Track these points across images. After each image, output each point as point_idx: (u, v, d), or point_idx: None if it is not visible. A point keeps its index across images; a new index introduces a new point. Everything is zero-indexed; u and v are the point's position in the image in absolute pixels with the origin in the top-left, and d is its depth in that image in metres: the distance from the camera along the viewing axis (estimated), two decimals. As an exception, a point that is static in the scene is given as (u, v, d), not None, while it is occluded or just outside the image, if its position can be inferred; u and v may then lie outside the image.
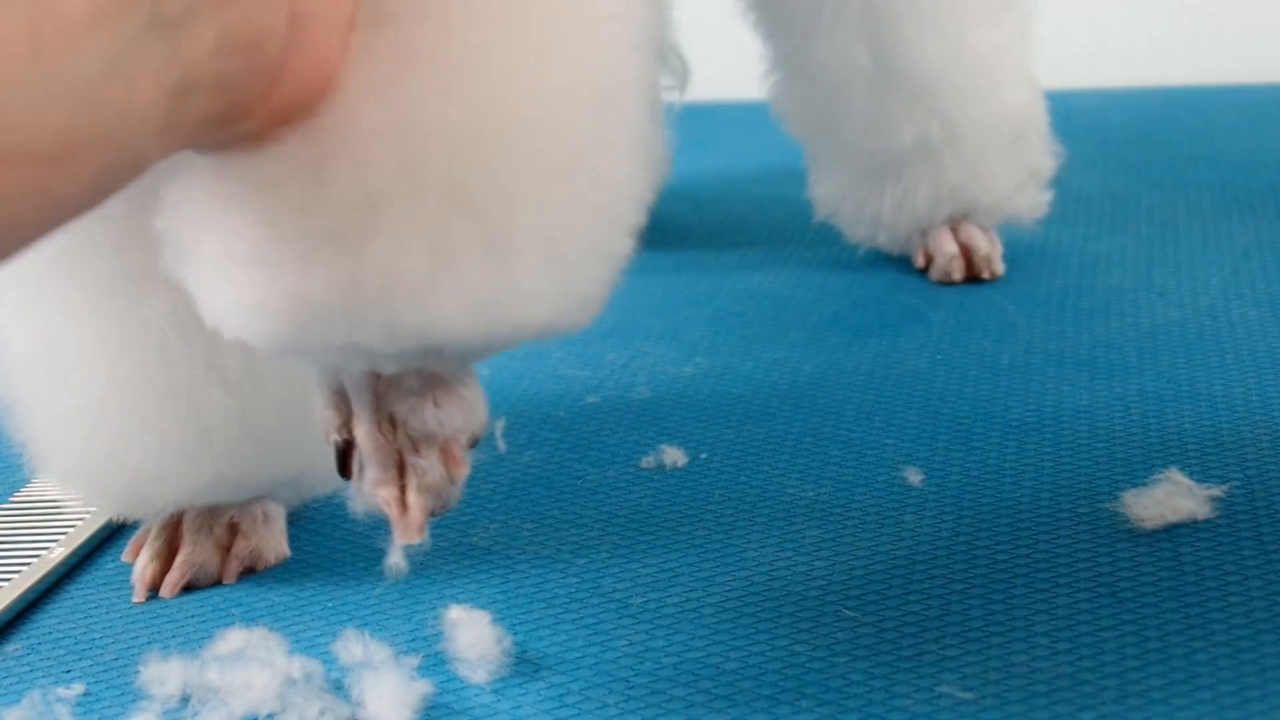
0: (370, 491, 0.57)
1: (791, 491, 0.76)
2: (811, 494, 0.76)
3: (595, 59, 0.51)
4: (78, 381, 0.68)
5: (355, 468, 0.58)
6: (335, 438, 0.57)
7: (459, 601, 0.65)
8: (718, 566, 0.69)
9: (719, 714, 0.58)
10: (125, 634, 0.66)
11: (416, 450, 0.57)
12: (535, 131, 0.49)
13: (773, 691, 0.59)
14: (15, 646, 0.66)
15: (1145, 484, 0.72)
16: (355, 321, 0.49)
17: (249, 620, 0.66)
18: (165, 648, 0.64)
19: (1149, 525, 0.69)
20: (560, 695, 0.60)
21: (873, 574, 0.68)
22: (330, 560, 0.72)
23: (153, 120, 0.45)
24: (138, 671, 0.62)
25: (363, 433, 0.57)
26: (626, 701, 0.59)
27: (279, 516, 0.73)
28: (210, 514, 0.71)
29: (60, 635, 0.67)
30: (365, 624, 0.65)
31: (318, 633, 0.65)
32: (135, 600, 0.69)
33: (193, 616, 0.68)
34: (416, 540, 0.57)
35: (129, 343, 0.67)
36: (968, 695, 0.58)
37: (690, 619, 0.65)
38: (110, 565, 0.73)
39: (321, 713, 0.59)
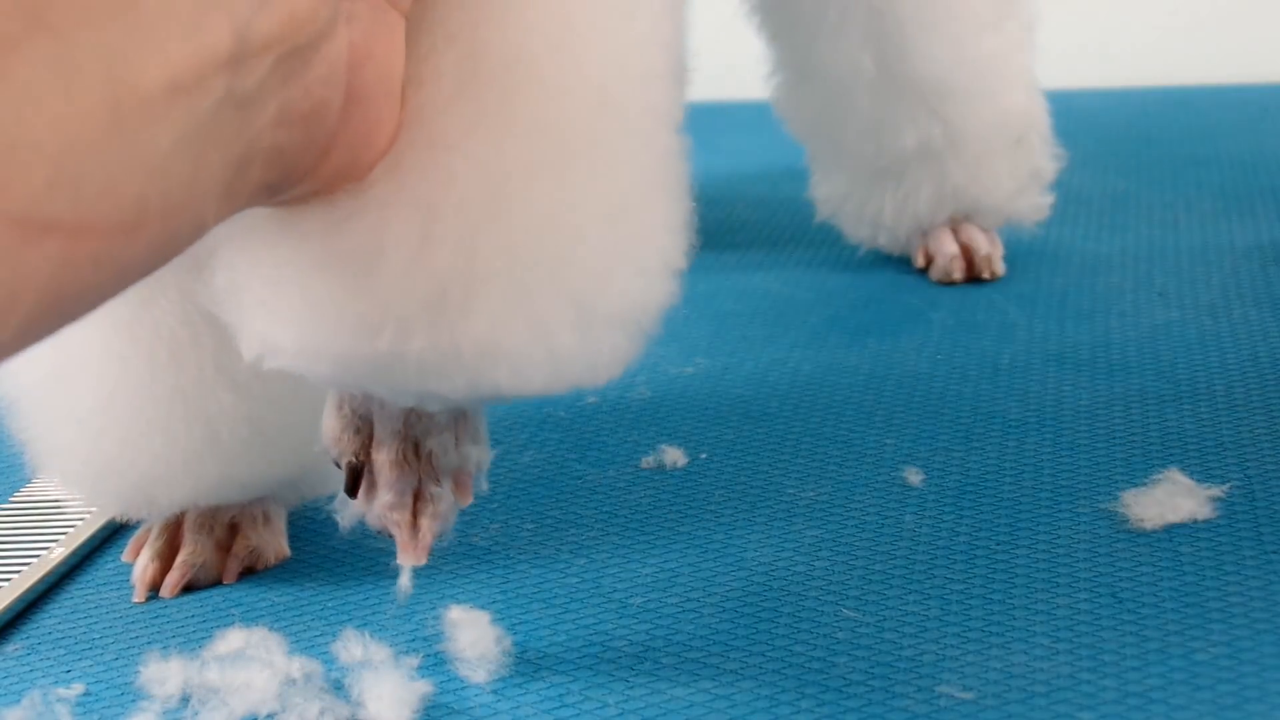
0: (382, 514, 0.60)
1: (791, 491, 0.76)
2: (811, 494, 0.76)
3: (657, 136, 0.55)
4: (85, 381, 0.68)
5: (364, 489, 0.60)
6: (351, 460, 0.59)
7: (459, 601, 0.65)
8: (718, 566, 0.69)
9: (719, 714, 0.58)
10: (125, 634, 0.66)
11: (436, 480, 0.60)
12: (618, 210, 0.54)
13: (773, 691, 0.59)
14: (15, 646, 0.66)
15: (1145, 484, 0.72)
16: (443, 378, 0.52)
17: (249, 620, 0.66)
18: (165, 648, 0.64)
19: (1149, 525, 0.70)
20: (560, 695, 0.60)
21: (873, 574, 0.68)
22: (330, 560, 0.72)
23: (216, 190, 0.47)
24: (138, 671, 0.62)
25: (385, 459, 0.59)
26: (626, 701, 0.59)
27: (279, 516, 0.73)
28: (211, 514, 0.71)
29: (60, 635, 0.67)
30: (365, 624, 0.65)
31: (318, 633, 0.65)
32: (135, 600, 0.69)
33: (193, 616, 0.68)
34: (423, 562, 0.60)
35: (139, 343, 0.67)
36: (967, 695, 0.58)
37: (690, 619, 0.65)
38: (110, 565, 0.73)
39: (321, 713, 0.59)
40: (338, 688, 0.61)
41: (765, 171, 1.39)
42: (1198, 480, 0.72)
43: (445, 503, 0.60)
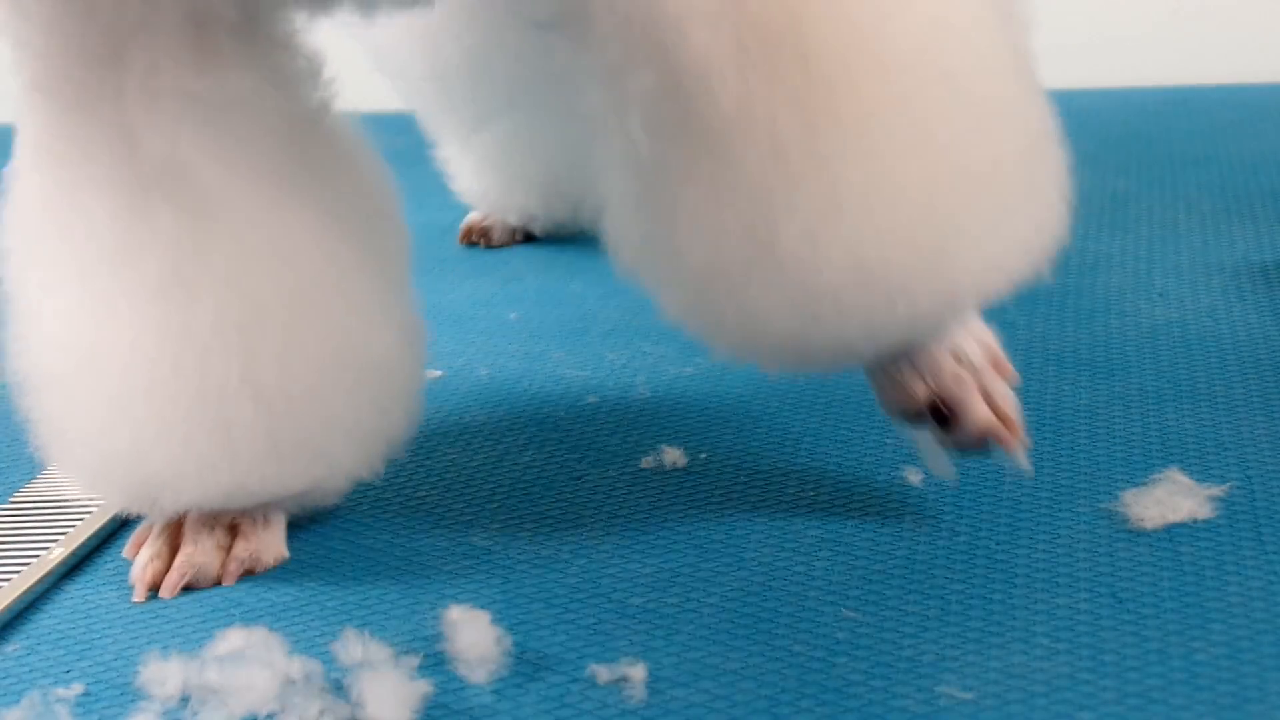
0: (983, 422, 0.69)
1: (791, 491, 0.76)
2: (811, 494, 0.76)
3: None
4: (111, 376, 0.68)
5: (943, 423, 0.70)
6: (931, 402, 0.69)
7: (459, 601, 0.65)
8: (718, 566, 0.69)
9: (719, 714, 0.58)
10: (125, 634, 0.66)
11: (979, 377, 0.70)
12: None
13: (773, 691, 0.59)
14: (15, 646, 0.66)
15: (1145, 484, 0.72)
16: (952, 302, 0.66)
17: (249, 620, 0.66)
18: (165, 648, 0.64)
19: (1149, 525, 0.69)
20: (560, 695, 0.60)
21: (872, 574, 0.68)
22: (330, 560, 0.72)
23: None
24: (138, 671, 0.62)
25: (948, 379, 0.69)
26: (626, 701, 0.59)
27: (279, 520, 0.73)
28: (212, 516, 0.71)
29: (60, 635, 0.67)
30: (365, 624, 0.65)
31: (318, 633, 0.65)
32: (135, 599, 0.69)
33: (193, 616, 0.68)
34: (1029, 444, 0.71)
35: (168, 345, 0.67)
36: (967, 695, 0.58)
37: (690, 619, 0.65)
38: (110, 565, 0.73)
39: (321, 713, 0.59)
40: (338, 688, 0.61)
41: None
42: (1198, 480, 0.72)
43: (1001, 386, 0.70)
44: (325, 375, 0.69)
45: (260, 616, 0.67)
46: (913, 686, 0.59)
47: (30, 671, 0.64)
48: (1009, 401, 0.70)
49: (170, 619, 0.67)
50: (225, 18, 0.66)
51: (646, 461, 0.80)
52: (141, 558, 0.71)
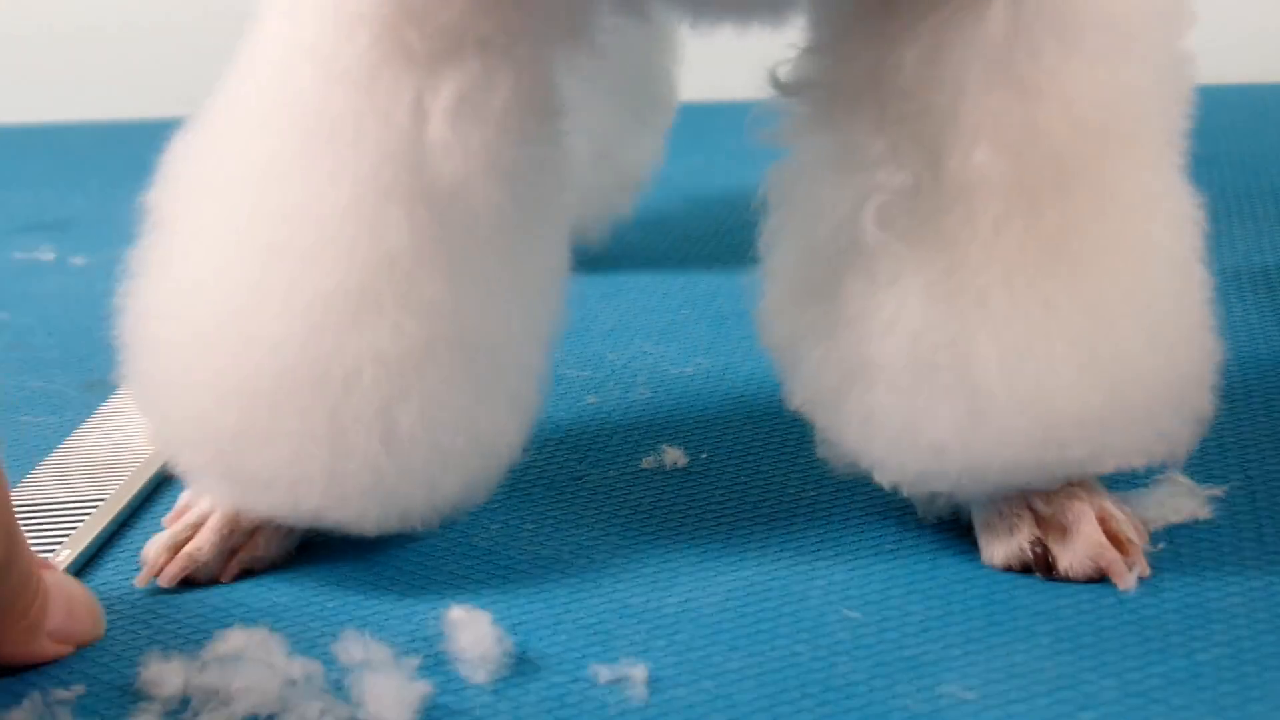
0: (1094, 555, 0.66)
1: (792, 491, 0.76)
2: (812, 494, 0.76)
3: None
4: (262, 375, 0.66)
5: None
6: (1035, 548, 0.67)
7: (459, 601, 0.65)
8: (718, 566, 0.69)
9: (719, 714, 0.58)
10: (125, 634, 0.66)
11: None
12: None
13: (773, 691, 0.59)
14: (15, 647, 0.66)
15: (1145, 484, 0.72)
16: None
17: (249, 621, 0.66)
18: (165, 648, 0.64)
19: (1149, 525, 0.69)
20: (560, 695, 0.60)
21: (873, 574, 0.68)
22: (330, 560, 0.72)
23: None
24: (138, 672, 0.62)
25: (1077, 517, 0.67)
26: (626, 701, 0.59)
27: (298, 531, 0.72)
28: (234, 519, 0.70)
29: (60, 635, 0.67)
30: (365, 624, 0.65)
31: (318, 633, 0.65)
32: (137, 583, 0.69)
33: (193, 617, 0.67)
34: (1147, 572, 0.66)
35: (330, 367, 0.65)
36: (969, 695, 0.58)
37: (690, 619, 0.65)
38: (111, 566, 0.73)
39: (322, 713, 0.59)
40: (338, 688, 0.61)
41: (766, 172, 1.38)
42: (1198, 480, 0.72)
43: (1124, 515, 0.68)
44: (443, 431, 0.67)
45: (260, 616, 0.67)
46: (914, 686, 0.59)
47: (30, 671, 0.64)
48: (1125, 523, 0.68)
49: (170, 619, 0.67)
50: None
51: (646, 461, 0.80)
52: (155, 545, 0.70)
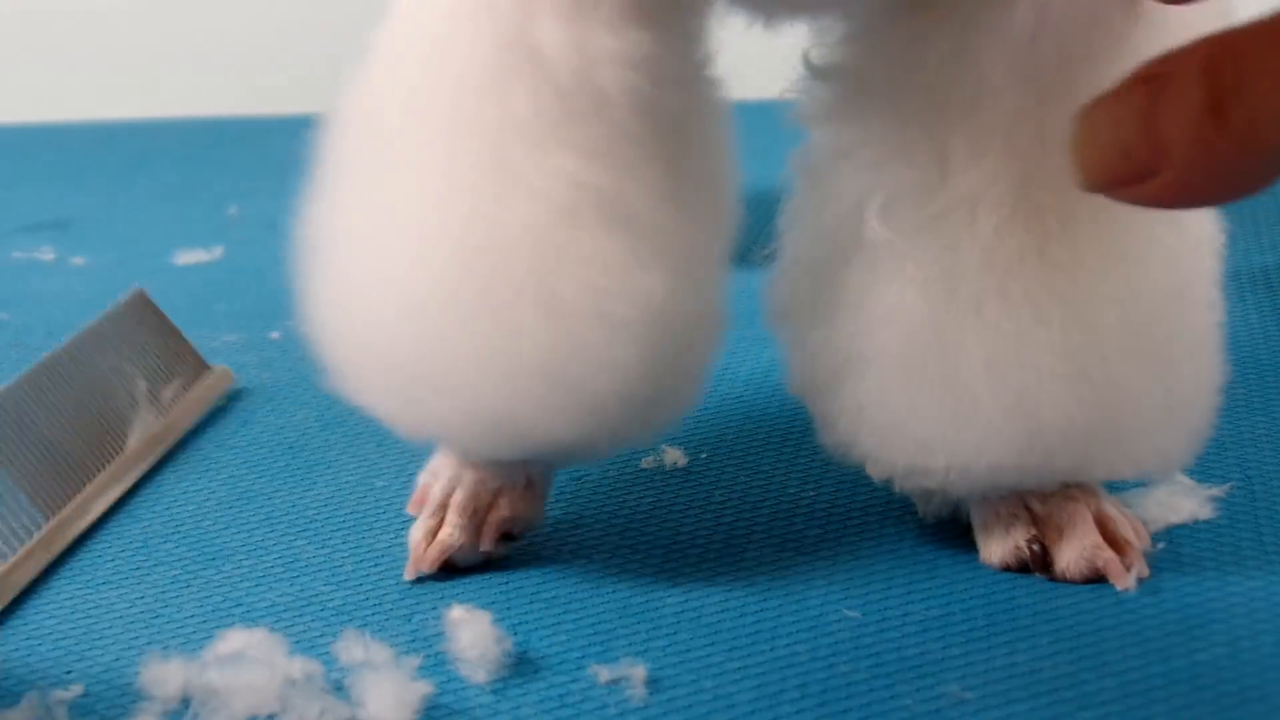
0: (1090, 555, 0.66)
1: (792, 491, 0.76)
2: (812, 494, 0.76)
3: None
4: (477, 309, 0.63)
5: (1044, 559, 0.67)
6: (1031, 547, 0.67)
7: (459, 601, 0.65)
8: (718, 567, 0.69)
9: (719, 714, 0.58)
10: (125, 634, 0.66)
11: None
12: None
13: (773, 691, 0.59)
14: (15, 647, 0.66)
15: (1145, 484, 0.72)
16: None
17: (249, 621, 0.66)
18: (165, 648, 0.64)
19: (1149, 525, 0.69)
20: (560, 695, 0.60)
21: (873, 574, 0.68)
22: (330, 560, 0.72)
23: None
24: (138, 672, 0.62)
25: (1071, 515, 0.67)
26: (626, 701, 0.59)
27: (541, 483, 0.70)
28: (474, 494, 0.69)
29: (60, 635, 0.67)
30: (365, 624, 0.65)
31: (318, 633, 0.65)
32: (405, 576, 0.69)
33: (193, 616, 0.68)
34: (1145, 574, 0.67)
35: (488, 236, 0.63)
36: (970, 695, 0.58)
37: (690, 619, 0.65)
38: (110, 565, 0.73)
39: (322, 713, 0.59)
40: (338, 688, 0.61)
41: (766, 172, 1.38)
42: (1198, 480, 0.72)
43: (1123, 516, 0.68)
44: (607, 298, 0.64)
45: (260, 616, 0.67)
46: (914, 686, 0.59)
47: (30, 672, 0.64)
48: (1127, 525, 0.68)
49: (170, 619, 0.67)
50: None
51: (646, 461, 0.80)
52: (415, 534, 0.70)
